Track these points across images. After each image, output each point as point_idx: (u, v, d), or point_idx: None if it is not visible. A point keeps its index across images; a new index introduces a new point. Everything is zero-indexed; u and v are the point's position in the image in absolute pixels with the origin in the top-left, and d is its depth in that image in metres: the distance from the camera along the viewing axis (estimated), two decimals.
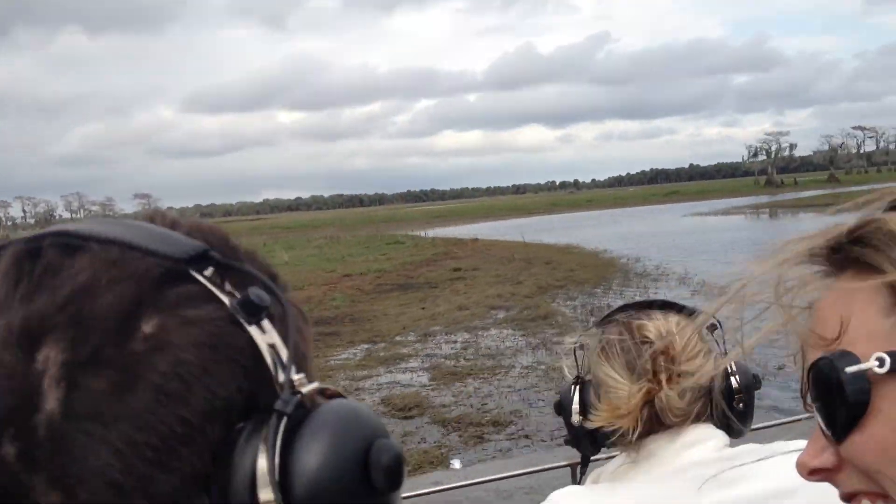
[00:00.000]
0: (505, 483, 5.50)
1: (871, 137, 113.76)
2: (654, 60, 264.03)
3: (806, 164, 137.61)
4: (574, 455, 1.52)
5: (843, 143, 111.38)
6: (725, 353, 1.19)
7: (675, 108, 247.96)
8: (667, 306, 1.25)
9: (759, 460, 1.09)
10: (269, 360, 0.41)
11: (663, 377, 1.16)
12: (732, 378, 1.24)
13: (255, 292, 0.42)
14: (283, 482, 0.38)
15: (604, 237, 35.04)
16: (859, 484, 0.54)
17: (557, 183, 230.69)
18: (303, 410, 0.40)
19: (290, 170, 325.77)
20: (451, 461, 8.16)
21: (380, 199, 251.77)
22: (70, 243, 0.42)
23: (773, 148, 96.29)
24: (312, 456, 0.39)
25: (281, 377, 0.41)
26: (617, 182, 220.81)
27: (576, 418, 1.28)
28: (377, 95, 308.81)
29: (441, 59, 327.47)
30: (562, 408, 1.33)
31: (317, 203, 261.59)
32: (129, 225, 0.45)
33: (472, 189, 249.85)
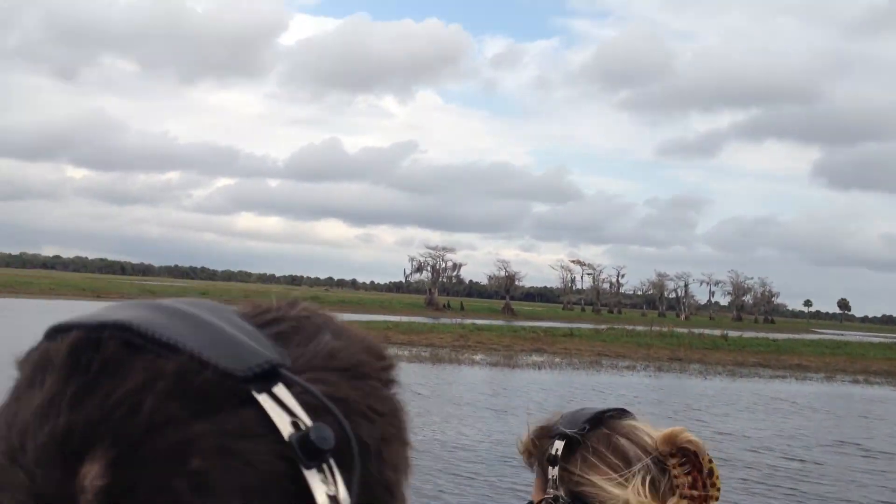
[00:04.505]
0: None
1: (589, 274, 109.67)
2: (458, 176, 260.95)
3: (479, 290, 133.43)
4: None
5: (569, 276, 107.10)
6: None
7: (475, 225, 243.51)
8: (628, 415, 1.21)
9: None
10: None
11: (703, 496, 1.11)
12: None
13: (318, 431, 0.36)
14: None
15: None
16: None
17: (336, 280, 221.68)
18: None
19: (73, 227, 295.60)
20: None
21: (145, 270, 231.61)
22: (131, 341, 0.37)
23: (439, 266, 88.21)
24: None
25: None
26: (395, 287, 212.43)
27: None
28: (174, 165, 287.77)
29: (244, 140, 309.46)
30: None
31: (74, 264, 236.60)
32: (199, 323, 0.39)
33: (246, 273, 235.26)
